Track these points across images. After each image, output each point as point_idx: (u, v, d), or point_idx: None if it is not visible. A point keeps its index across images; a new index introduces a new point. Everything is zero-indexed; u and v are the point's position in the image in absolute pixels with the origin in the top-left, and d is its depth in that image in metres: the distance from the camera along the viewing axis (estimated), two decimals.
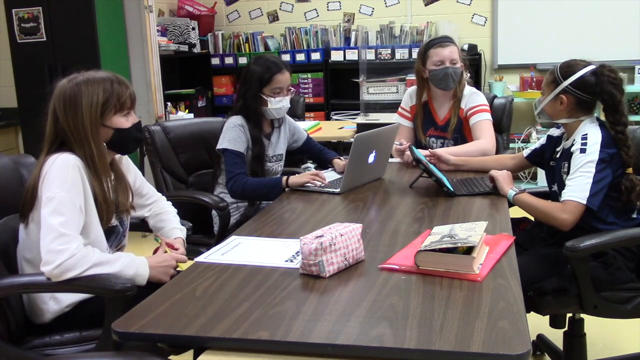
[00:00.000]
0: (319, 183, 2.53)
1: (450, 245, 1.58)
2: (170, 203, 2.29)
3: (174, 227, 2.19)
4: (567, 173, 2.18)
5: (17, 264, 1.91)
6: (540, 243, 2.31)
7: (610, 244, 2.05)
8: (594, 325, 2.49)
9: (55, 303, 1.86)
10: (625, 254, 2.13)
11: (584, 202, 2.06)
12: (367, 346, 1.25)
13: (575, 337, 2.36)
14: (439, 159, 2.73)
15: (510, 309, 1.37)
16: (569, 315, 2.36)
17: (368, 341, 1.26)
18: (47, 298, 1.86)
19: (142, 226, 2.24)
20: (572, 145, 2.18)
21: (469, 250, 1.59)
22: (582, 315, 2.31)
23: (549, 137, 2.43)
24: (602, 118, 2.23)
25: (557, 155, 2.32)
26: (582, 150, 2.11)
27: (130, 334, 1.36)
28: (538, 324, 2.51)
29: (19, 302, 1.87)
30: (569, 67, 2.21)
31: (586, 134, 2.14)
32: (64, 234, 1.71)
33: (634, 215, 2.19)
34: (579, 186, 2.08)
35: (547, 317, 2.31)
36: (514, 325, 1.29)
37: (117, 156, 2.02)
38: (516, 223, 2.51)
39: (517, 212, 2.40)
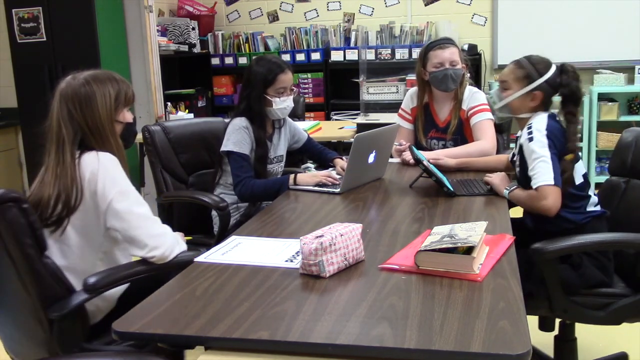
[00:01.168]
0: (331, 180, 2.56)
1: (450, 245, 1.58)
2: None
3: None
4: (520, 164, 2.22)
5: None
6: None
7: (579, 248, 2.04)
8: (590, 329, 2.40)
9: (103, 300, 1.87)
10: (595, 254, 2.11)
11: (553, 182, 2.06)
12: (367, 346, 1.25)
13: (566, 342, 2.32)
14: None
15: (510, 309, 1.37)
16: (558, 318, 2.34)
17: (368, 341, 1.26)
18: (96, 300, 1.84)
19: None
20: (519, 138, 2.23)
21: (469, 250, 1.59)
22: None
23: None
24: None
25: (516, 150, 2.34)
26: (530, 139, 2.13)
27: (130, 334, 1.36)
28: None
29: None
30: (543, 63, 2.25)
31: (531, 124, 2.18)
32: (156, 220, 1.85)
33: (594, 208, 2.20)
34: (542, 171, 2.08)
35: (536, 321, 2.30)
36: (514, 325, 1.29)
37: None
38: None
39: (517, 212, 2.40)
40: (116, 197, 1.79)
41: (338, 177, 2.70)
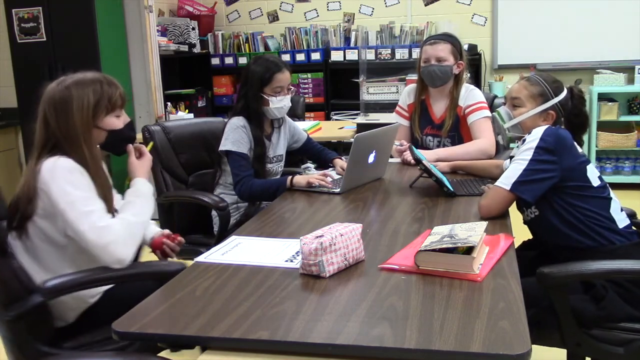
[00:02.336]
0: (323, 183, 2.54)
1: (450, 245, 1.58)
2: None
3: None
4: None
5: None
6: (527, 269, 1.94)
7: (594, 275, 1.81)
8: None
9: (74, 299, 1.84)
10: (624, 283, 1.85)
11: (508, 187, 1.96)
12: (367, 346, 1.25)
13: None
14: None
15: (510, 309, 1.37)
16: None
17: (368, 341, 1.26)
18: (66, 298, 1.82)
19: None
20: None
21: (469, 250, 1.59)
22: None
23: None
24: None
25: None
26: (523, 141, 2.04)
27: (130, 334, 1.36)
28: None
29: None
30: (556, 83, 2.16)
31: (531, 132, 2.06)
32: (101, 227, 1.74)
33: (621, 226, 1.98)
34: (508, 173, 2.00)
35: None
36: (514, 325, 1.29)
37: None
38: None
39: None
40: (67, 208, 1.73)
41: (337, 176, 2.71)
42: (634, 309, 1.84)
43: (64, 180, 1.75)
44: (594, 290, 1.86)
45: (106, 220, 1.77)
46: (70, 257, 1.84)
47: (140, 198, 1.90)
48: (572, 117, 2.15)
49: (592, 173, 2.02)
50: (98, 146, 1.90)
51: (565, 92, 2.15)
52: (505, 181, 1.99)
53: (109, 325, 1.37)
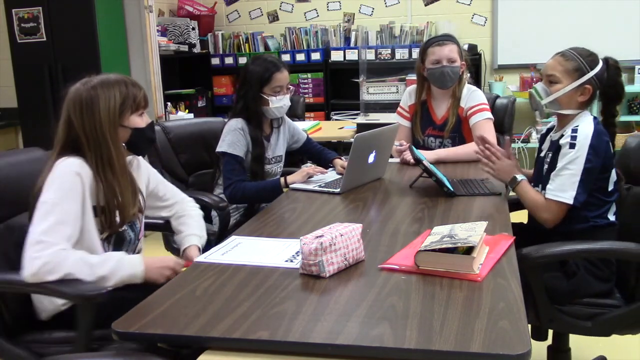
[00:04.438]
0: (318, 171, 2.57)
1: (450, 245, 1.58)
2: (197, 206, 2.27)
3: (192, 234, 2.14)
4: (550, 164, 2.14)
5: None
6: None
7: (571, 255, 1.96)
8: (585, 339, 2.26)
9: (50, 302, 1.85)
10: (597, 262, 2.03)
11: (570, 201, 2.01)
12: (367, 346, 1.25)
13: (559, 352, 2.24)
14: None
15: (510, 309, 1.37)
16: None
17: (368, 341, 1.26)
18: (42, 297, 1.85)
19: (167, 227, 2.23)
20: (561, 137, 2.12)
21: (469, 250, 1.59)
22: None
23: (548, 128, 2.37)
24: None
25: (545, 146, 2.28)
26: (572, 145, 2.04)
27: (130, 334, 1.36)
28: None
29: (19, 298, 1.87)
30: (591, 56, 2.15)
31: (577, 127, 2.07)
32: (41, 241, 1.68)
33: (611, 217, 2.12)
34: (565, 184, 2.02)
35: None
36: (514, 325, 1.29)
37: (128, 159, 2.01)
38: None
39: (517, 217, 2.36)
40: (38, 205, 1.75)
41: (337, 176, 2.71)
42: (601, 284, 2.02)
43: (53, 180, 1.77)
44: (566, 267, 2.02)
45: (56, 238, 1.70)
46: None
47: (116, 266, 1.76)
48: (608, 88, 2.16)
49: (613, 177, 2.10)
50: (124, 144, 1.93)
51: (600, 65, 2.14)
52: (566, 195, 2.02)
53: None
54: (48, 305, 1.86)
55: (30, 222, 1.74)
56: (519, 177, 2.20)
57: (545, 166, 2.19)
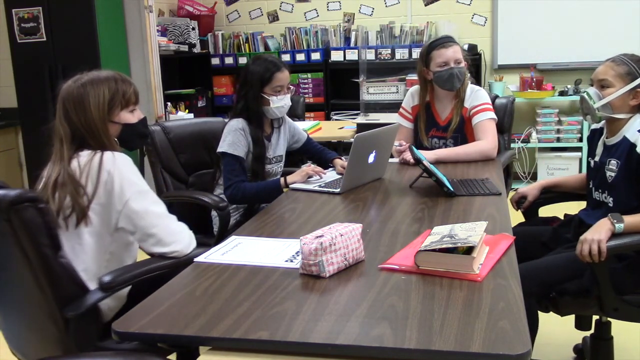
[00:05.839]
0: (317, 176, 2.58)
1: (450, 245, 1.58)
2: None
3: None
4: (620, 171, 2.13)
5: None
6: (565, 244, 2.25)
7: (629, 246, 1.97)
8: (628, 328, 2.33)
9: (113, 299, 1.87)
10: None
11: None
12: (367, 346, 1.25)
13: (602, 340, 2.32)
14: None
15: (510, 309, 1.37)
16: (595, 317, 2.31)
17: (368, 341, 1.26)
18: (108, 299, 1.84)
19: None
20: (621, 141, 2.13)
21: (469, 250, 1.59)
22: (610, 318, 2.24)
23: (592, 131, 2.38)
24: None
25: (598, 151, 2.26)
26: (626, 142, 2.06)
27: (130, 334, 1.36)
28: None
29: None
30: None
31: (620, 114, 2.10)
32: (173, 217, 1.90)
33: None
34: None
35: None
36: (514, 325, 1.29)
37: None
38: (546, 221, 2.50)
39: (547, 212, 2.35)
40: (133, 197, 1.81)
41: (337, 176, 2.71)
42: None
43: (128, 171, 1.84)
44: (629, 259, 2.06)
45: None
46: (109, 254, 1.88)
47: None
48: None
49: None
50: (116, 139, 1.95)
51: None
52: None
53: None
54: (112, 304, 1.88)
55: (142, 210, 1.83)
56: (617, 225, 1.98)
57: (610, 173, 2.18)
